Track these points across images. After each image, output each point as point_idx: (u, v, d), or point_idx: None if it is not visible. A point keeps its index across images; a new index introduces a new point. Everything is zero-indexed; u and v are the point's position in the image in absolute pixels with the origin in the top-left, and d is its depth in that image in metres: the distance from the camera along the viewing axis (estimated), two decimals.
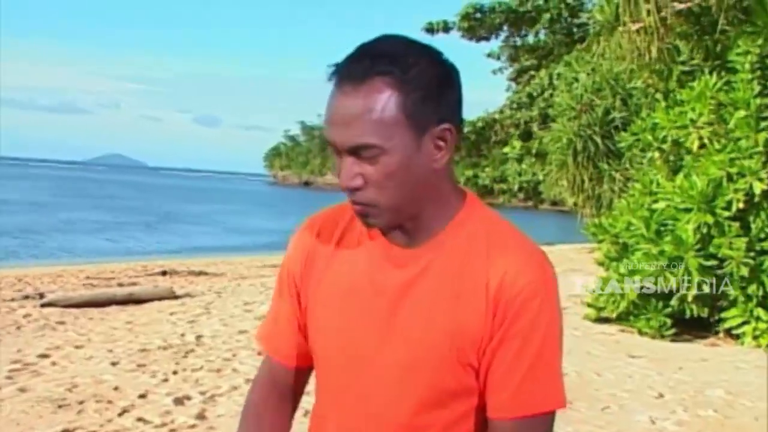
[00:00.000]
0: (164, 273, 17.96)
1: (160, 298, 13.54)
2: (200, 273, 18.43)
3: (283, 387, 1.86)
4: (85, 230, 34.85)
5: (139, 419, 6.36)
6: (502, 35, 30.85)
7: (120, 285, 15.61)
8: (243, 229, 42.62)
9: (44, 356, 8.67)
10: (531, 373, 1.59)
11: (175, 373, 7.89)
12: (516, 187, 34.28)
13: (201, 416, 6.46)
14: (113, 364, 8.24)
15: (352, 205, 1.62)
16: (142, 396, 7.01)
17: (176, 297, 13.84)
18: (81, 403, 6.81)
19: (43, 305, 12.60)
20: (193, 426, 6.26)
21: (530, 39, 30.81)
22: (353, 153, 1.56)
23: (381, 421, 1.66)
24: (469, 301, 1.60)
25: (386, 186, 1.56)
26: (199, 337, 9.70)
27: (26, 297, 13.62)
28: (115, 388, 7.25)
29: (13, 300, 13.27)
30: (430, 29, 30.73)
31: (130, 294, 13.62)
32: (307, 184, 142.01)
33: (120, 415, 6.52)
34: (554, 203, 38.49)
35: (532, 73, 29.01)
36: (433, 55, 1.60)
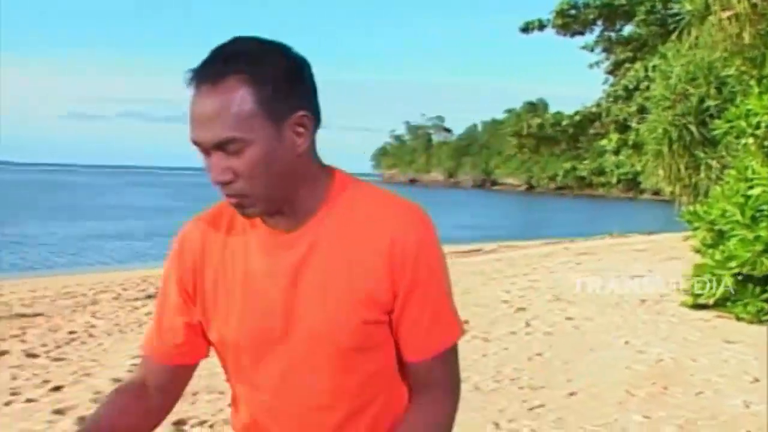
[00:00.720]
0: None
1: None
2: None
3: (155, 386, 1.88)
4: None
5: None
6: (597, 30, 30.37)
7: None
8: None
9: None
10: (436, 316, 1.75)
11: None
12: (614, 179, 33.69)
13: None
14: None
15: (229, 197, 1.67)
16: None
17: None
18: (195, 394, 6.97)
19: None
20: None
21: (625, 32, 30.23)
22: (219, 148, 1.61)
23: (301, 395, 1.75)
24: (364, 266, 1.68)
25: (254, 176, 1.61)
26: None
27: (149, 296, 13.99)
28: (227, 380, 7.40)
29: (136, 299, 13.68)
30: (526, 29, 30.45)
31: None
32: (413, 181, 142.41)
33: (230, 405, 6.66)
34: (655, 193, 37.76)
35: (628, 65, 28.44)
36: (282, 51, 1.67)
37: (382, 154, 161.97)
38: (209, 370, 7.81)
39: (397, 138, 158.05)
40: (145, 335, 1.92)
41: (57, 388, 7.28)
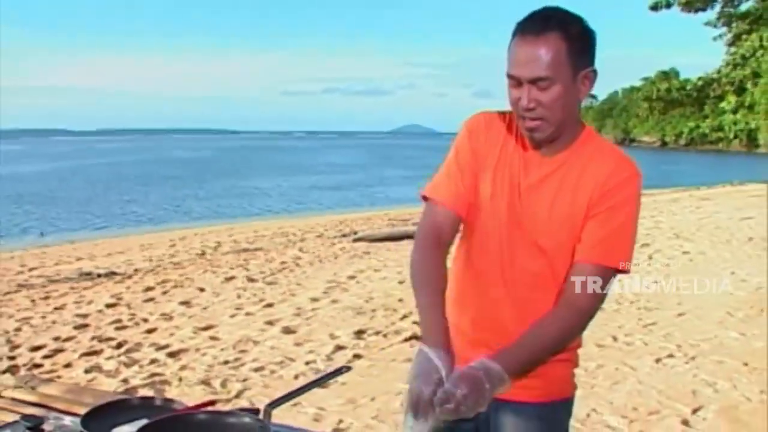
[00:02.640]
0: None
1: None
2: None
3: (443, 233, 1.89)
4: (389, 183, 35.86)
5: (414, 322, 6.64)
6: (717, 6, 28.54)
7: (414, 224, 16.02)
8: None
9: (351, 277, 9.24)
10: (609, 237, 1.78)
11: None
12: (731, 135, 31.92)
13: None
14: (400, 282, 8.61)
15: (528, 121, 1.78)
16: None
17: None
18: (373, 311, 7.25)
19: (354, 240, 13.34)
20: None
21: (743, 7, 28.30)
22: (533, 83, 1.73)
23: (524, 274, 1.86)
24: (584, 190, 1.80)
25: (553, 108, 1.75)
26: None
27: (344, 235, 14.46)
28: (399, 300, 7.62)
29: (335, 237, 14.14)
30: (654, 7, 28.97)
31: None
32: None
33: (401, 319, 6.89)
34: None
35: (745, 37, 26.58)
36: (583, 21, 1.78)
37: None
38: (385, 293, 8.10)
39: None
40: (432, 186, 1.94)
41: (269, 305, 7.73)
